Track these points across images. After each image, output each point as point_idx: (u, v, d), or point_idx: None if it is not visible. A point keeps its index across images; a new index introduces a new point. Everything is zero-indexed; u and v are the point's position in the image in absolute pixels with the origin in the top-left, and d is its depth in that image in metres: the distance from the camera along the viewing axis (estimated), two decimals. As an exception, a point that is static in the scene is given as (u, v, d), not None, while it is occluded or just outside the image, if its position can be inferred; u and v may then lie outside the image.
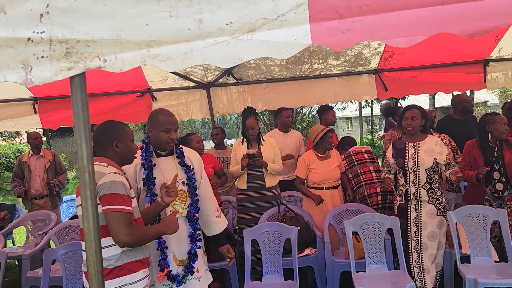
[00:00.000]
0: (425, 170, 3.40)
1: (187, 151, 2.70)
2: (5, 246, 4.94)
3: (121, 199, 2.01)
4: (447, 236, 3.56)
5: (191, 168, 2.62)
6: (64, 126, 5.72)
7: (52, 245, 4.36)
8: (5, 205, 5.67)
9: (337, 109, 23.69)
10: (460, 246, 3.43)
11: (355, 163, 4.37)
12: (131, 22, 1.35)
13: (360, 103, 21.41)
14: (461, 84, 5.43)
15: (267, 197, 4.16)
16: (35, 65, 1.34)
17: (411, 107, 3.52)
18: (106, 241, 2.04)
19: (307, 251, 3.81)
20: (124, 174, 2.19)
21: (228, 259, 2.75)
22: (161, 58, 1.37)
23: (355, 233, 3.57)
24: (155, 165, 2.54)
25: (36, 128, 6.25)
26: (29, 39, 1.32)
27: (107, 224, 2.00)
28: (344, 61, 5.37)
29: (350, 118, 32.38)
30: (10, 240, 5.48)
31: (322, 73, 5.63)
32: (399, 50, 5.02)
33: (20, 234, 5.78)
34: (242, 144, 4.30)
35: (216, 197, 4.34)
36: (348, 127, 32.76)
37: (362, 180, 4.25)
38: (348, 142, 4.90)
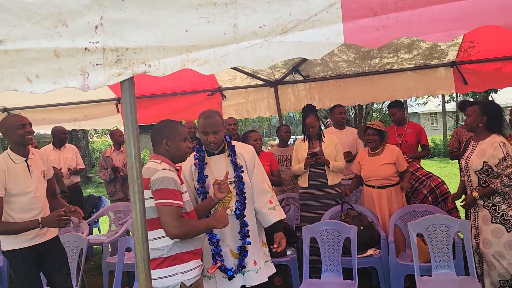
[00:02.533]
0: (475, 172, 3.16)
1: (239, 147, 2.78)
2: (91, 233, 5.47)
3: (171, 194, 2.15)
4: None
5: (240, 167, 2.69)
6: (142, 124, 6.15)
7: (130, 234, 4.74)
8: (92, 197, 6.27)
9: (418, 104, 22.44)
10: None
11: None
12: (173, 29, 1.46)
13: (443, 97, 20.06)
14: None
15: (330, 195, 4.12)
16: (91, 72, 1.50)
17: (471, 104, 3.32)
18: (159, 232, 2.20)
19: (370, 252, 3.72)
20: (177, 170, 2.33)
21: (276, 245, 2.74)
22: (199, 62, 1.46)
23: (421, 236, 3.42)
24: (206, 164, 2.66)
25: (117, 127, 6.79)
26: (86, 48, 1.49)
27: (159, 217, 2.16)
28: (417, 54, 5.12)
29: (435, 113, 30.50)
30: (97, 228, 6.04)
31: (393, 68, 5.42)
32: (480, 40, 4.67)
33: (105, 223, 6.34)
34: (304, 142, 4.30)
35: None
36: (432, 123, 30.89)
37: (421, 176, 4.11)
38: None
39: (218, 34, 1.44)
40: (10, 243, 2.83)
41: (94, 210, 6.10)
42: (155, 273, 2.20)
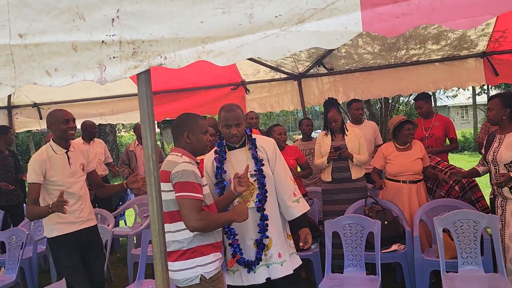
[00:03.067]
0: (504, 165, 3.04)
1: (261, 140, 2.76)
2: (117, 226, 5.59)
3: (192, 187, 2.16)
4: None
5: (260, 160, 2.68)
6: (168, 118, 6.21)
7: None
8: (118, 189, 6.38)
9: (447, 97, 21.77)
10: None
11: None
12: (188, 21, 1.44)
13: (474, 90, 19.43)
14: None
15: (353, 189, 4.07)
16: (108, 65, 1.50)
17: (492, 97, 3.20)
18: (180, 225, 2.22)
19: (394, 247, 3.65)
20: (198, 163, 2.34)
21: (302, 243, 2.76)
22: (214, 54, 1.44)
23: (447, 231, 3.33)
24: (226, 158, 2.66)
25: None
26: (103, 41, 1.50)
27: (180, 210, 2.17)
28: (445, 45, 4.96)
29: (466, 106, 29.59)
30: (123, 220, 6.17)
31: (421, 59, 5.28)
32: (512, 29, 4.49)
33: (131, 216, 6.47)
34: (326, 136, 4.24)
35: (301, 188, 4.39)
36: (462, 116, 30.02)
37: (443, 168, 4.06)
38: None
39: (234, 25, 1.42)
40: (54, 230, 2.96)
41: (120, 203, 6.22)
42: (175, 265, 2.22)
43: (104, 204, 5.26)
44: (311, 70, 5.63)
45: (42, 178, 2.90)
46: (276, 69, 5.56)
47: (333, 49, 5.11)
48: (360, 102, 5.13)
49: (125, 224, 6.13)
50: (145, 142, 1.56)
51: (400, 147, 3.99)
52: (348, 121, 5.17)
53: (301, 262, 2.83)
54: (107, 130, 13.86)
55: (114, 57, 1.50)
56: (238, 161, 2.68)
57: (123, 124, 20.46)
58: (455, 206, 3.61)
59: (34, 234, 4.56)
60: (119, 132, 22.49)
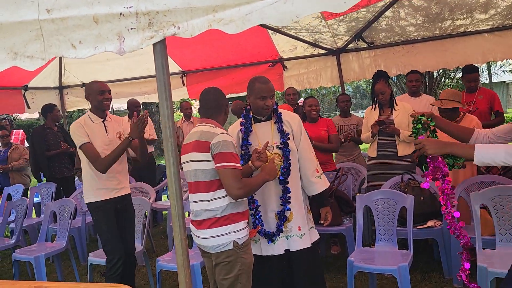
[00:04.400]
0: None
1: (286, 115, 2.78)
2: (160, 199, 5.84)
3: (232, 157, 2.24)
4: None
5: (286, 134, 2.69)
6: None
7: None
8: (162, 166, 6.65)
9: (504, 72, 20.38)
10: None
11: None
12: (199, -11, 1.48)
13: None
14: None
15: (400, 166, 3.91)
16: (127, 36, 1.58)
17: None
18: (215, 194, 2.30)
19: (430, 223, 3.56)
20: None
21: (323, 221, 2.80)
22: (224, 22, 1.47)
23: (487, 208, 3.20)
24: (252, 130, 2.70)
25: (182, 99, 7.06)
26: (121, 13, 1.57)
27: (221, 180, 2.25)
28: (495, 14, 4.66)
29: (527, 82, 27.62)
30: (166, 195, 6.43)
31: (468, 30, 4.99)
32: None
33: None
34: (374, 110, 4.12)
35: (330, 165, 4.36)
36: (524, 93, 28.06)
37: None
38: None
39: (243, -9, 1.44)
40: (92, 196, 3.16)
41: (162, 178, 6.47)
42: (208, 232, 2.32)
43: (147, 178, 5.50)
44: (350, 45, 5.50)
45: (88, 138, 3.07)
46: (314, 44, 5.48)
47: (373, 22, 4.95)
48: (417, 74, 4.83)
49: (168, 199, 6.37)
50: (162, 110, 1.63)
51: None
52: (406, 94, 4.97)
53: (319, 237, 2.86)
54: (153, 109, 14.29)
55: (131, 29, 1.57)
56: (264, 134, 2.72)
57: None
58: (497, 182, 3.45)
59: (83, 205, 4.88)
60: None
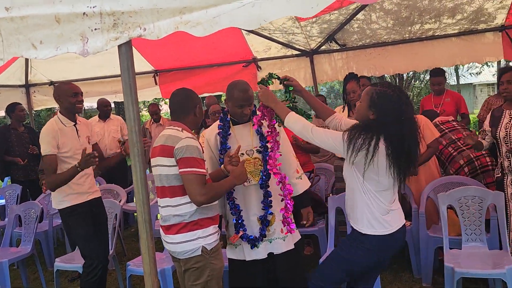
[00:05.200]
0: None
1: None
2: (132, 201, 5.72)
3: (196, 162, 2.19)
4: None
5: (265, 136, 2.67)
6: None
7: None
8: (133, 166, 6.52)
9: (470, 74, 21.04)
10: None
11: (446, 131, 3.96)
12: (166, -9, 1.44)
13: (499, 65, 18.71)
14: None
15: None
16: (90, 37, 1.53)
17: (508, 69, 3.04)
18: (181, 199, 2.25)
19: (400, 224, 3.62)
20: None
21: (305, 222, 2.80)
22: (192, 24, 1.44)
23: (454, 208, 3.28)
24: (230, 134, 2.67)
25: (155, 99, 6.96)
26: (84, 13, 1.51)
27: (184, 185, 2.20)
28: (461, 19, 4.79)
29: (492, 84, 28.55)
30: (137, 196, 6.31)
31: (436, 34, 5.11)
32: (533, 1, 4.29)
33: (147, 192, 6.61)
34: (343, 111, 4.16)
35: (309, 165, 4.38)
36: (489, 94, 29.00)
37: (461, 145, 3.84)
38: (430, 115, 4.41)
39: (210, -6, 1.41)
40: (64, 201, 3.05)
41: (134, 180, 6.35)
42: (176, 237, 2.27)
43: (118, 180, 5.38)
44: (323, 47, 5.54)
45: (57, 150, 2.97)
46: (287, 45, 5.50)
47: (345, 24, 5.00)
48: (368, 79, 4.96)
49: (140, 200, 6.27)
50: (127, 113, 1.58)
51: None
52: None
53: (300, 237, 2.86)
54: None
55: (95, 29, 1.52)
56: (243, 137, 2.68)
57: (143, 103, 20.67)
58: (463, 183, 3.54)
59: (50, 208, 4.73)
60: (140, 111, 22.76)
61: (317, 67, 5.72)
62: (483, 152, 3.82)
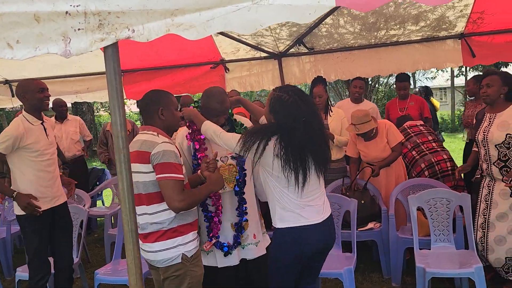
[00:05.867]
0: (495, 146, 3.05)
1: (240, 120, 2.73)
2: (95, 206, 5.52)
3: (173, 168, 2.12)
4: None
5: None
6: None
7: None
8: (96, 169, 6.30)
9: (426, 78, 22.00)
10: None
11: (412, 134, 4.12)
12: (156, -9, 1.38)
13: (452, 72, 19.67)
14: None
15: (332, 169, 4.07)
16: (73, 37, 1.44)
17: (490, 73, 3.16)
18: (158, 206, 2.19)
19: (370, 225, 3.71)
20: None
21: None
22: (184, 27, 1.39)
23: (422, 209, 3.39)
24: (204, 138, 2.62)
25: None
26: (67, 12, 1.42)
27: (162, 191, 2.13)
28: (424, 26, 4.96)
29: (444, 88, 29.97)
30: (100, 201, 6.09)
31: (400, 40, 5.27)
32: (490, 11, 4.50)
33: (109, 196, 6.40)
34: None
35: None
36: (441, 98, 30.36)
37: (425, 149, 4.00)
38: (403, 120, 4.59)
39: (204, -4, 1.37)
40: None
41: (97, 183, 6.14)
42: (155, 246, 2.20)
43: (80, 184, 5.15)
44: (292, 50, 5.57)
45: (9, 151, 2.81)
46: (256, 47, 5.48)
47: (314, 28, 5.06)
48: (361, 81, 5.06)
49: (103, 204, 6.06)
50: (113, 118, 1.51)
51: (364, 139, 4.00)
52: (348, 99, 5.14)
53: (270, 241, 2.86)
54: (84, 109, 13.55)
55: (79, 29, 1.43)
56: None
57: (101, 103, 20.05)
58: (430, 185, 3.67)
59: (7, 214, 4.47)
60: (97, 112, 22.06)
61: (285, 69, 5.74)
62: (444, 157, 3.98)
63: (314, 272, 2.45)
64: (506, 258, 3.09)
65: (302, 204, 2.21)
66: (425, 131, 4.18)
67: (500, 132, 3.03)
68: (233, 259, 2.63)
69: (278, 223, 2.24)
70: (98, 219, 5.72)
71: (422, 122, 4.40)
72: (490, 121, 3.12)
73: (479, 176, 3.36)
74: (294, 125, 2.12)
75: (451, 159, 4.02)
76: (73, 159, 5.42)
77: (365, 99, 5.14)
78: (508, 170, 3.03)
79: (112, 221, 4.84)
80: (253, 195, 2.75)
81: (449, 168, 3.97)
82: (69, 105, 14.28)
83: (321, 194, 2.32)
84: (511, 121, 3.00)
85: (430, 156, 4.00)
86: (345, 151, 4.24)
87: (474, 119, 3.42)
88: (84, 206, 4.21)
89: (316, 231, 2.22)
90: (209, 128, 2.43)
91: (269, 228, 2.90)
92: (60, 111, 5.53)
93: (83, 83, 5.90)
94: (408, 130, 4.21)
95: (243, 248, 2.67)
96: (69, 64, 5.42)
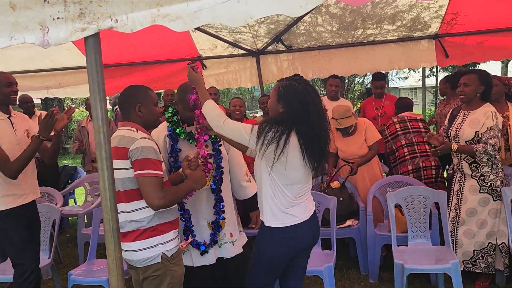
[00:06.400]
0: (466, 142, 3.14)
1: None
2: (66, 204, 5.35)
3: (152, 164, 2.06)
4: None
5: (218, 140, 2.61)
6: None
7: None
8: (68, 167, 6.11)
9: (399, 78, 22.48)
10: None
11: (410, 130, 4.11)
12: (141, -20, 1.33)
13: (424, 71, 20.14)
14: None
15: None
16: (52, 26, 1.36)
17: (468, 72, 3.23)
18: (137, 204, 2.11)
19: (348, 222, 3.73)
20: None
21: (254, 225, 2.79)
22: (170, 18, 1.34)
23: (399, 207, 3.44)
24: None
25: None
26: (45, 0, 1.35)
27: (140, 188, 2.06)
28: (400, 26, 5.04)
29: (415, 88, 30.73)
30: (72, 199, 5.90)
31: (377, 39, 5.34)
32: (463, 12, 4.61)
33: (81, 195, 6.21)
34: None
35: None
36: (412, 98, 31.20)
37: (417, 151, 4.01)
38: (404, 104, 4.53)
39: (192, -14, 1.32)
40: (1, 203, 2.77)
41: (69, 181, 5.95)
42: (133, 245, 2.13)
43: (50, 182, 4.97)
44: (270, 47, 5.55)
45: None
46: (234, 44, 5.44)
47: (292, 26, 5.06)
48: (337, 79, 5.09)
49: (75, 203, 5.87)
50: (94, 113, 1.44)
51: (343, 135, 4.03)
52: (325, 97, 5.16)
53: (247, 239, 2.84)
54: (54, 105, 13.16)
55: (58, 18, 1.36)
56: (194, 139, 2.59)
57: (72, 99, 19.53)
58: (407, 183, 3.72)
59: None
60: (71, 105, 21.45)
61: (263, 67, 5.73)
62: (432, 164, 3.98)
63: (300, 269, 2.42)
64: (474, 250, 3.19)
65: (294, 202, 2.17)
66: (423, 130, 4.17)
67: (470, 129, 3.11)
68: (209, 258, 2.59)
69: (269, 222, 2.18)
70: (70, 218, 5.55)
71: (421, 117, 4.40)
72: (464, 118, 3.20)
73: (452, 171, 3.44)
74: (308, 111, 2.07)
75: (438, 167, 4.03)
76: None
77: (341, 97, 5.18)
78: (478, 166, 3.12)
79: (85, 220, 4.69)
80: (230, 192, 2.72)
81: (433, 175, 3.99)
82: (38, 101, 13.85)
83: (309, 189, 2.30)
84: (482, 119, 3.08)
85: (420, 160, 3.98)
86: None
87: (445, 117, 3.50)
88: (56, 205, 4.06)
89: (305, 228, 2.20)
90: (213, 110, 2.21)
91: (245, 226, 2.88)
92: (26, 108, 5.30)
93: (54, 77, 5.70)
94: (408, 123, 4.17)
95: (219, 247, 2.64)
96: (39, 58, 5.23)
